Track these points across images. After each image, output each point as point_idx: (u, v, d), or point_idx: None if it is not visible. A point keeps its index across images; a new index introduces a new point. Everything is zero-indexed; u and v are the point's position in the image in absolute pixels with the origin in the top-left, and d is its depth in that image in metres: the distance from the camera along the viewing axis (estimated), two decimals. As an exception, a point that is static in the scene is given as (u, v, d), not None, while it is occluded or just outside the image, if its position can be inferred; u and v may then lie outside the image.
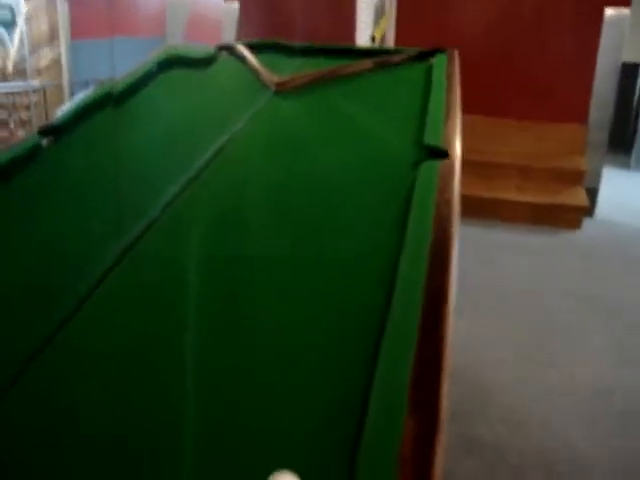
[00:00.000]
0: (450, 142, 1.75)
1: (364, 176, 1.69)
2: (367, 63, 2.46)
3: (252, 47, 2.71)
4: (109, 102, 2.21)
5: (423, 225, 1.30)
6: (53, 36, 6.25)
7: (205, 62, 2.68)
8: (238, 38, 3.72)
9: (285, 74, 2.39)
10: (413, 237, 1.27)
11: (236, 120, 2.03)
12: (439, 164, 1.62)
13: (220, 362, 1.05)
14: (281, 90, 2.26)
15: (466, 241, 4.84)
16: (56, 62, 6.20)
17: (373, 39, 4.31)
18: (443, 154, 1.68)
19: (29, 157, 1.83)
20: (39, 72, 6.30)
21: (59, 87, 6.08)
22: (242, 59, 2.62)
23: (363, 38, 3.86)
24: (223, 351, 1.08)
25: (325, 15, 3.52)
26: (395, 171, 1.67)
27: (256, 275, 1.31)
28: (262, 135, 1.99)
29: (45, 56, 6.31)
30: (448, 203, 1.44)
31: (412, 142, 1.82)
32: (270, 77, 2.34)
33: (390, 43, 5.80)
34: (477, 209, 5.09)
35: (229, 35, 4.33)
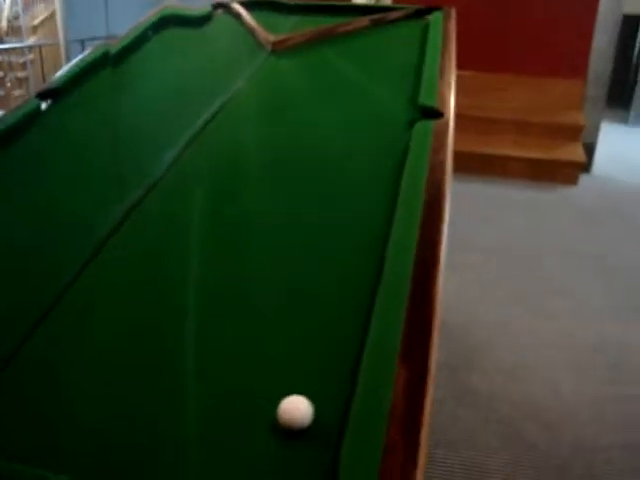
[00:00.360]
0: (444, 102, 1.77)
1: (360, 136, 1.72)
2: (364, 21, 2.46)
3: (248, 5, 2.71)
4: (107, 63, 2.22)
5: (416, 186, 1.35)
6: (47, -8, 6.16)
7: (201, 21, 2.68)
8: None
9: (281, 32, 2.39)
10: (406, 199, 1.31)
11: (234, 80, 2.06)
12: (433, 124, 1.65)
13: (225, 317, 1.11)
14: (277, 49, 2.27)
15: (463, 197, 4.90)
16: (51, 19, 6.12)
17: (370, -6, 4.27)
18: (437, 114, 1.71)
19: (29, 121, 1.85)
20: (34, 30, 6.23)
21: (55, 45, 6.01)
22: (238, 17, 2.62)
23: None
24: (228, 304, 1.14)
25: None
26: (390, 130, 1.71)
27: (256, 229, 1.36)
28: (260, 94, 2.01)
29: (40, 13, 6.22)
30: (441, 164, 1.48)
31: (407, 101, 1.85)
32: (266, 36, 2.35)
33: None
34: (474, 165, 5.11)
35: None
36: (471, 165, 5.06)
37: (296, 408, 0.87)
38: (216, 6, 2.82)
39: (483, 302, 3.21)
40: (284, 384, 0.94)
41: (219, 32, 2.60)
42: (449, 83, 1.92)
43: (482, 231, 4.14)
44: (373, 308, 1.04)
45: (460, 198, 4.52)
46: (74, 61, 2.23)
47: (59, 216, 1.46)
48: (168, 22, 2.58)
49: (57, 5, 6.04)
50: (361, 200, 1.42)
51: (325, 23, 2.43)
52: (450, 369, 2.57)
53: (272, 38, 2.31)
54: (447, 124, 1.66)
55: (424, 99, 1.79)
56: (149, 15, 2.60)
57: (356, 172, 1.55)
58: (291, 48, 2.27)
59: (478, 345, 2.81)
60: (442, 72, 2.00)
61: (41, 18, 6.32)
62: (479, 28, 5.63)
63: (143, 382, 0.98)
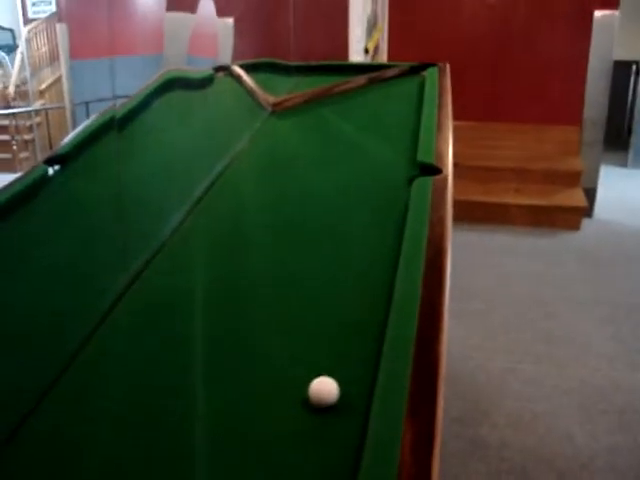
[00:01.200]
0: (442, 158, 1.81)
1: (360, 194, 1.75)
2: (361, 79, 2.53)
3: (248, 67, 2.79)
4: (112, 127, 2.28)
5: (417, 245, 1.36)
6: (53, 58, 6.34)
7: (204, 83, 2.75)
8: (234, 54, 3.80)
9: (281, 93, 2.46)
10: (407, 258, 1.33)
11: (235, 142, 2.10)
12: (432, 180, 1.68)
13: (230, 379, 1.12)
14: (277, 110, 2.33)
15: (467, 246, 4.92)
16: (57, 83, 6.28)
17: (366, 51, 4.39)
18: (436, 170, 1.74)
19: (37, 187, 1.89)
20: (41, 94, 6.39)
21: (61, 108, 6.16)
22: (239, 79, 2.70)
23: (356, 51, 3.93)
24: (234, 367, 1.14)
25: (318, 30, 3.59)
26: (390, 188, 1.74)
27: (260, 291, 1.38)
28: (261, 156, 2.06)
29: (46, 78, 6.40)
30: (441, 220, 1.50)
31: (406, 158, 1.89)
32: (266, 97, 2.41)
33: (383, 54, 5.88)
34: (476, 214, 5.15)
35: (226, 50, 4.41)
36: (473, 214, 5.11)
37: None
38: (218, 69, 2.91)
39: (488, 350, 3.19)
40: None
41: (221, 94, 2.68)
42: (446, 139, 1.96)
43: (485, 279, 4.14)
44: (379, 367, 1.05)
45: (463, 247, 4.57)
46: (80, 127, 2.29)
47: (66, 282, 1.47)
48: (172, 85, 2.66)
49: (63, 69, 6.21)
50: (363, 260, 1.44)
51: (323, 83, 2.50)
52: (459, 422, 2.54)
53: (272, 99, 2.38)
54: (446, 180, 1.68)
55: (422, 156, 1.83)
56: (153, 79, 2.67)
57: (357, 231, 1.57)
58: (291, 109, 2.33)
59: (486, 395, 2.78)
60: (439, 128, 2.04)
61: (48, 82, 6.49)
62: (475, 80, 5.77)
63: (152, 445, 0.98)
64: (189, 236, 1.61)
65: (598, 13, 5.52)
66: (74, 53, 6.41)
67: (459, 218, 5.03)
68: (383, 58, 5.84)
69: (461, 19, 6.00)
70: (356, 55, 3.88)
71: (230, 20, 4.67)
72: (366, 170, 1.89)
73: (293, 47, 3.23)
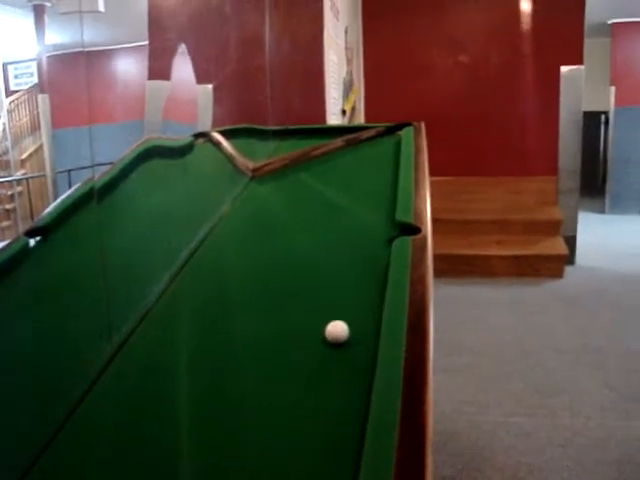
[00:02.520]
0: (421, 217, 1.83)
1: (342, 257, 1.76)
2: (338, 142, 2.58)
3: (227, 133, 2.83)
4: (92, 198, 2.28)
5: (398, 307, 1.36)
6: (35, 127, 6.40)
7: (183, 150, 2.78)
8: (214, 120, 3.86)
9: (260, 158, 2.50)
10: (390, 320, 1.33)
11: (216, 209, 2.12)
12: (411, 240, 1.70)
13: (218, 442, 1.09)
14: (257, 175, 2.36)
15: (452, 300, 4.93)
16: (39, 152, 6.32)
17: (344, 112, 4.48)
18: (415, 230, 1.76)
19: (18, 259, 1.88)
20: (22, 163, 6.42)
21: (42, 176, 6.18)
22: (218, 146, 2.73)
23: (334, 113, 4.02)
24: (221, 432, 1.12)
25: (295, 94, 3.68)
26: (371, 250, 1.75)
27: (245, 353, 1.37)
28: (243, 221, 2.07)
29: (28, 147, 6.44)
30: (422, 279, 1.51)
31: (385, 219, 1.91)
32: (246, 163, 2.45)
33: (361, 114, 6.02)
34: (460, 267, 5.18)
35: (206, 116, 4.48)
36: (456, 268, 5.14)
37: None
38: (197, 135, 2.95)
39: (479, 404, 3.16)
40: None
41: (201, 161, 2.70)
42: (424, 197, 1.99)
43: (473, 332, 4.14)
44: (365, 437, 1.03)
45: (448, 301, 4.58)
46: (61, 197, 2.29)
47: (50, 354, 1.45)
48: (151, 153, 2.68)
49: (44, 139, 6.26)
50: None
51: (302, 146, 2.54)
52: (453, 482, 2.50)
53: (252, 164, 2.41)
54: (425, 239, 1.70)
55: (401, 216, 1.85)
56: (133, 147, 2.70)
57: (340, 294, 1.57)
58: (271, 173, 2.36)
59: (479, 451, 2.74)
60: (417, 187, 2.07)
61: (29, 151, 6.53)
62: (452, 136, 5.91)
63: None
64: (174, 303, 1.60)
65: (564, 68, 5.74)
66: (56, 122, 6.48)
67: (443, 272, 5.08)
68: (361, 118, 5.97)
69: (435, 78, 6.19)
70: (334, 117, 3.96)
71: (209, 86, 4.76)
72: (346, 232, 1.90)
73: (271, 112, 3.30)
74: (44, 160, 6.44)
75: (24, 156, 6.91)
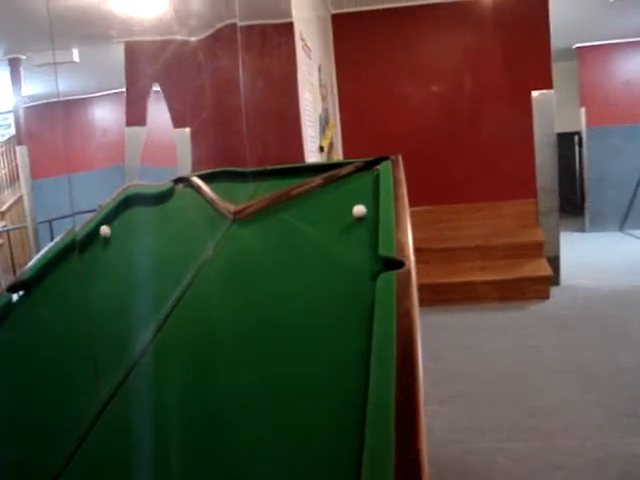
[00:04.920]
0: (404, 251, 1.84)
1: (326, 295, 1.76)
2: (317, 180, 2.59)
3: (206, 177, 2.84)
4: (74, 249, 2.28)
5: (386, 342, 1.37)
6: (13, 179, 6.39)
7: (164, 197, 2.79)
8: (193, 163, 3.89)
9: (241, 200, 2.51)
10: (378, 356, 1.33)
11: (198, 254, 2.12)
12: (395, 274, 1.71)
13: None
14: (238, 218, 2.37)
15: (440, 328, 4.93)
16: (19, 203, 6.30)
17: (321, 149, 4.53)
18: (399, 264, 1.77)
19: (1, 316, 1.87)
20: (2, 216, 6.39)
21: (23, 227, 6.15)
22: (198, 190, 2.74)
23: (312, 151, 4.06)
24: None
25: (272, 134, 3.72)
26: (355, 286, 1.76)
27: (235, 401, 1.35)
28: (226, 266, 2.07)
29: (7, 199, 6.42)
30: (408, 312, 1.52)
31: (368, 254, 1.91)
32: (227, 206, 2.45)
33: (339, 150, 6.08)
34: (445, 295, 5.19)
35: (185, 160, 4.50)
36: (442, 296, 5.15)
37: None
38: (177, 180, 2.96)
39: (475, 431, 3.15)
40: None
41: (182, 207, 2.71)
42: (405, 230, 2.00)
43: (464, 359, 4.14)
44: (360, 477, 1.03)
45: (437, 329, 4.58)
46: (43, 250, 2.29)
47: (36, 410, 1.43)
48: (132, 201, 2.68)
49: (24, 189, 6.25)
50: (334, 363, 1.43)
51: (281, 186, 2.56)
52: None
53: (232, 207, 2.42)
54: (409, 272, 1.71)
55: (383, 250, 1.86)
56: (112, 196, 2.70)
57: (327, 334, 1.57)
58: (251, 215, 2.37)
59: (477, 478, 2.72)
60: (398, 220, 2.09)
61: (9, 203, 6.51)
62: (430, 166, 6.00)
63: None
64: (161, 352, 1.59)
65: (535, 93, 5.86)
66: (35, 172, 6.48)
67: (429, 301, 5.08)
68: (339, 153, 6.03)
69: (410, 109, 6.29)
70: (312, 154, 4.00)
71: (187, 130, 4.81)
72: (330, 270, 1.91)
73: (249, 153, 3.33)
74: (24, 211, 6.42)
75: (4, 208, 6.87)
